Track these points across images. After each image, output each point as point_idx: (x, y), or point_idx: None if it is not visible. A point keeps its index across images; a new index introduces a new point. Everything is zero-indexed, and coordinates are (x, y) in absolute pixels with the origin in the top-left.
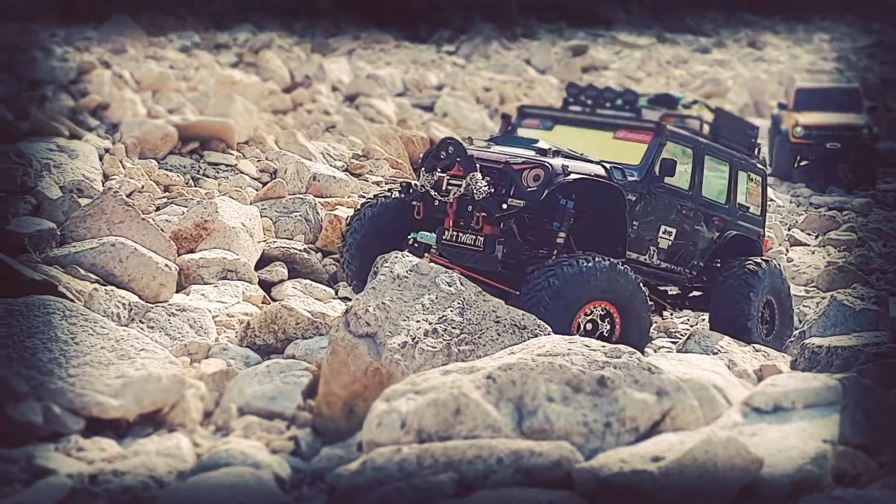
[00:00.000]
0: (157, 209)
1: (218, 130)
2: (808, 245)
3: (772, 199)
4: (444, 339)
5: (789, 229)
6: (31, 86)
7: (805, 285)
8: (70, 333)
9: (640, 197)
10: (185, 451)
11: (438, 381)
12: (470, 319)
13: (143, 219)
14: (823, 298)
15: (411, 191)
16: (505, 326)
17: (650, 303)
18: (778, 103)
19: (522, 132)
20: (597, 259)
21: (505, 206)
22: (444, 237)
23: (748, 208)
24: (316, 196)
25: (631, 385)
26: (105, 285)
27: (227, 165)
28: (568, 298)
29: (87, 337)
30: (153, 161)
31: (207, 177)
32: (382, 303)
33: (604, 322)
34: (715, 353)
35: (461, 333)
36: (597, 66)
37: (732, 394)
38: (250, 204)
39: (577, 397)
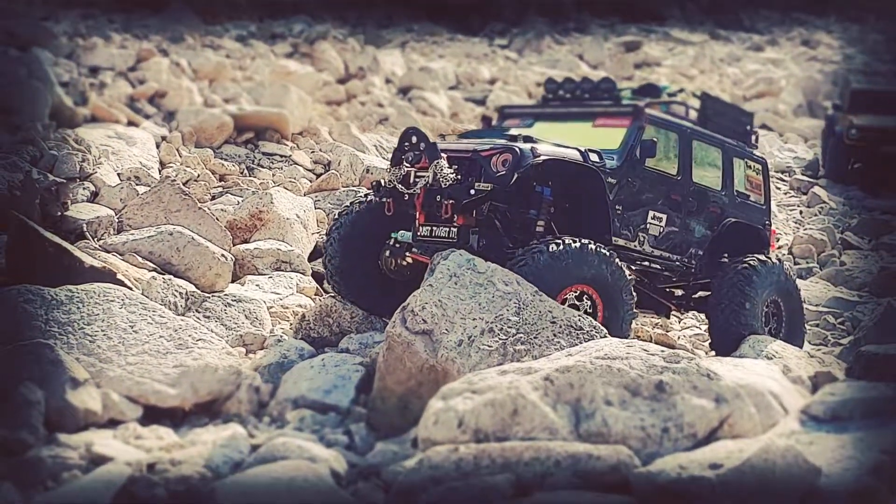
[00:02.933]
0: (213, 198)
1: (273, 121)
2: (862, 249)
3: (825, 202)
4: (499, 339)
5: (842, 232)
6: (91, 72)
7: (858, 290)
8: (129, 321)
9: (622, 181)
10: (241, 442)
11: (496, 381)
12: (526, 319)
13: (200, 208)
14: (879, 304)
15: (380, 188)
16: (561, 327)
17: (630, 277)
18: (833, 104)
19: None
20: (567, 242)
21: (473, 191)
22: (418, 234)
23: (748, 196)
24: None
25: (689, 391)
26: (163, 274)
27: (281, 156)
28: (542, 286)
29: (146, 325)
30: (209, 150)
31: (262, 167)
32: (439, 300)
33: (583, 302)
34: (769, 358)
35: (517, 333)
36: (649, 63)
37: (788, 401)
38: (304, 195)
39: (634, 401)
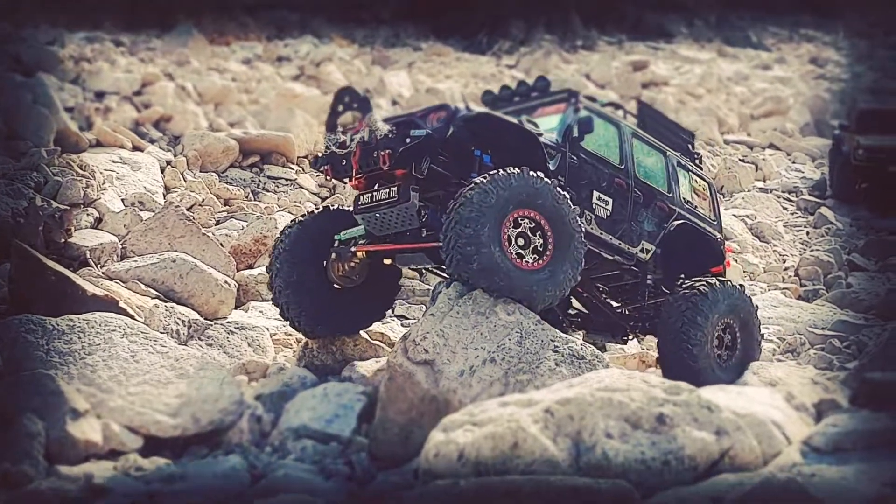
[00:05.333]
0: (217, 223)
1: (278, 144)
2: (869, 270)
3: (831, 222)
4: (501, 368)
5: (849, 253)
6: (97, 97)
7: (865, 313)
8: (130, 351)
9: (563, 153)
10: (242, 474)
11: (496, 412)
12: (528, 349)
13: (204, 234)
14: (885, 329)
15: (317, 159)
16: (563, 356)
17: (579, 221)
18: (839, 124)
19: None
20: (509, 169)
21: (408, 139)
22: (360, 203)
23: (696, 206)
24: None
25: (690, 423)
26: (165, 301)
27: (286, 180)
28: (489, 212)
29: (148, 355)
30: (214, 174)
31: (267, 191)
32: (441, 329)
33: (535, 235)
34: (773, 385)
35: (519, 363)
36: (656, 82)
37: (791, 430)
38: None
39: (635, 434)
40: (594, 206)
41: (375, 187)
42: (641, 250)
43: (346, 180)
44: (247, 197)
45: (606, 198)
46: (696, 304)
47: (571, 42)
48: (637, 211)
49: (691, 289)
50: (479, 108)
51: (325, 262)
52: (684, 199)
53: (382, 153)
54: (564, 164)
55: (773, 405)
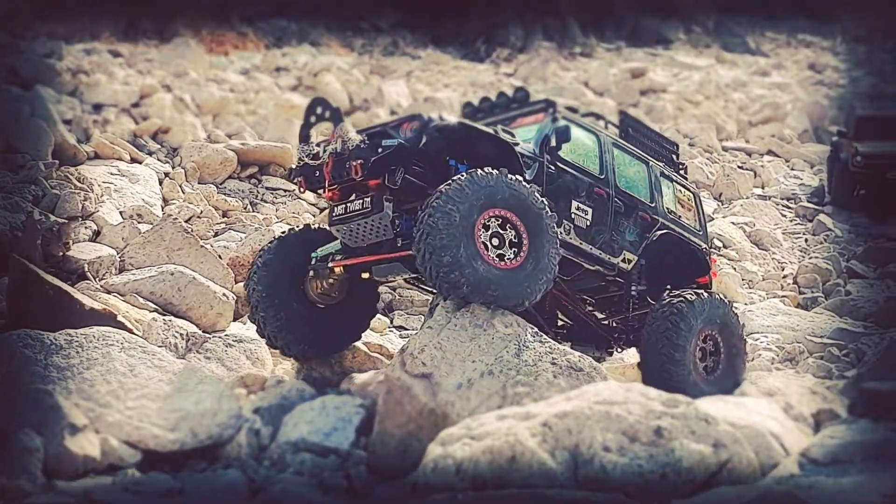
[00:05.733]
0: (216, 235)
1: (276, 155)
2: (867, 278)
3: (830, 229)
4: (499, 381)
5: (848, 260)
6: (94, 109)
7: (864, 320)
8: (129, 365)
9: (539, 166)
10: (241, 488)
11: (494, 426)
12: (526, 361)
13: (202, 246)
14: (883, 337)
15: (292, 171)
16: (561, 369)
17: (552, 214)
18: (837, 130)
19: None
20: (484, 169)
21: (380, 149)
22: (334, 214)
23: (680, 216)
24: None
25: (688, 436)
26: (164, 314)
27: (285, 191)
28: (462, 210)
29: (146, 369)
30: (212, 186)
31: (265, 202)
32: (439, 342)
33: (507, 230)
34: (771, 395)
35: (517, 375)
36: (655, 89)
37: (789, 441)
38: None
39: (633, 447)
40: (573, 215)
41: (350, 198)
42: (623, 260)
43: (321, 191)
44: (245, 208)
45: (586, 207)
46: (678, 316)
47: (569, 49)
48: (618, 221)
49: (673, 300)
50: (453, 118)
51: (303, 280)
52: (668, 209)
53: (354, 164)
54: (541, 173)
55: (771, 416)
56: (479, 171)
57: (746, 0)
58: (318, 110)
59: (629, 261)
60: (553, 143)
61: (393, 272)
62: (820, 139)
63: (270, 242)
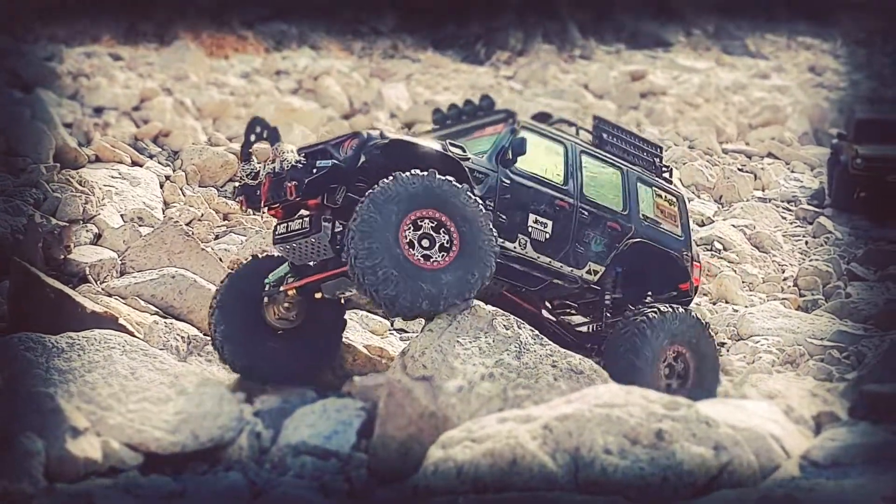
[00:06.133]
0: (216, 238)
1: None
2: (868, 280)
3: (830, 232)
4: (500, 384)
5: (848, 263)
6: (95, 112)
7: (864, 323)
8: (130, 368)
9: (494, 180)
10: (242, 490)
11: (494, 429)
12: (526, 363)
13: (203, 249)
14: (883, 340)
15: (234, 190)
16: (562, 371)
17: (485, 211)
18: (837, 133)
19: None
20: (413, 172)
21: (315, 170)
22: (277, 233)
23: (659, 223)
24: None
25: (689, 439)
26: (165, 317)
27: None
28: (388, 212)
29: (147, 372)
30: (213, 189)
31: None
32: (439, 345)
33: (440, 233)
34: (772, 398)
35: (518, 377)
36: (655, 92)
37: (790, 443)
38: None
39: (634, 450)
40: (530, 229)
41: (293, 217)
42: (588, 272)
43: (263, 210)
44: (245, 211)
45: (545, 220)
46: (647, 325)
47: (569, 52)
48: (583, 231)
49: (646, 310)
50: (395, 134)
51: (260, 308)
52: (644, 215)
53: (289, 185)
54: (495, 187)
55: (771, 418)
56: (405, 173)
57: (746, 2)
58: (258, 129)
59: (595, 272)
60: (509, 155)
61: (340, 288)
62: (820, 142)
63: (228, 277)
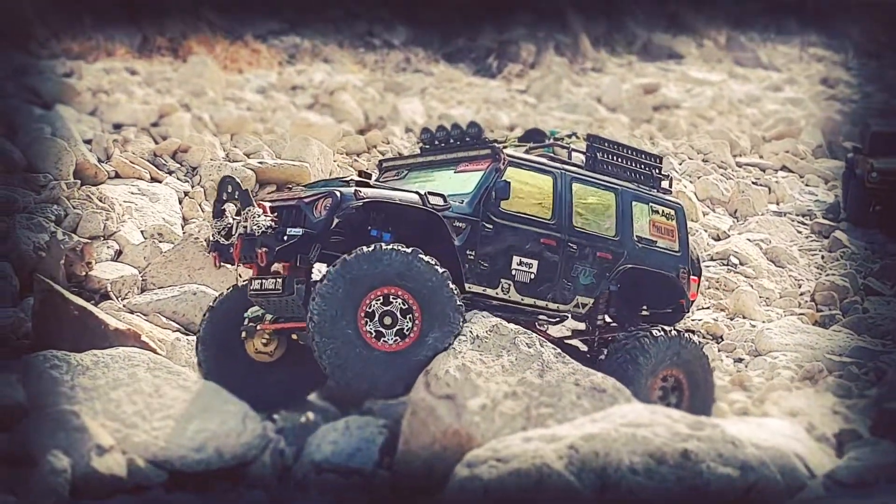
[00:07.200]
0: None
1: (294, 174)
2: (885, 295)
3: (846, 246)
4: (523, 402)
5: (865, 278)
6: (114, 128)
7: (882, 338)
8: (154, 386)
9: (476, 225)
10: None
11: (520, 448)
12: (549, 382)
13: (222, 265)
14: None
15: (209, 243)
16: (584, 390)
17: (459, 302)
18: (852, 146)
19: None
20: (376, 246)
21: (286, 237)
22: (251, 288)
23: (654, 242)
24: None
25: (715, 459)
26: (186, 334)
27: None
28: (348, 291)
29: (171, 390)
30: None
31: None
32: (462, 364)
33: (405, 318)
34: (793, 415)
35: (541, 396)
36: (668, 105)
37: (813, 462)
38: None
39: (660, 470)
40: (514, 272)
41: (267, 274)
42: (576, 305)
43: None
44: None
45: (530, 261)
46: (638, 351)
47: (581, 64)
48: (571, 266)
49: (638, 333)
50: (370, 193)
51: (240, 340)
52: (638, 237)
53: (259, 251)
54: (476, 235)
55: (794, 437)
56: (367, 248)
57: (757, 14)
58: (229, 189)
59: (583, 305)
60: (492, 199)
61: None
62: (834, 154)
63: (211, 309)
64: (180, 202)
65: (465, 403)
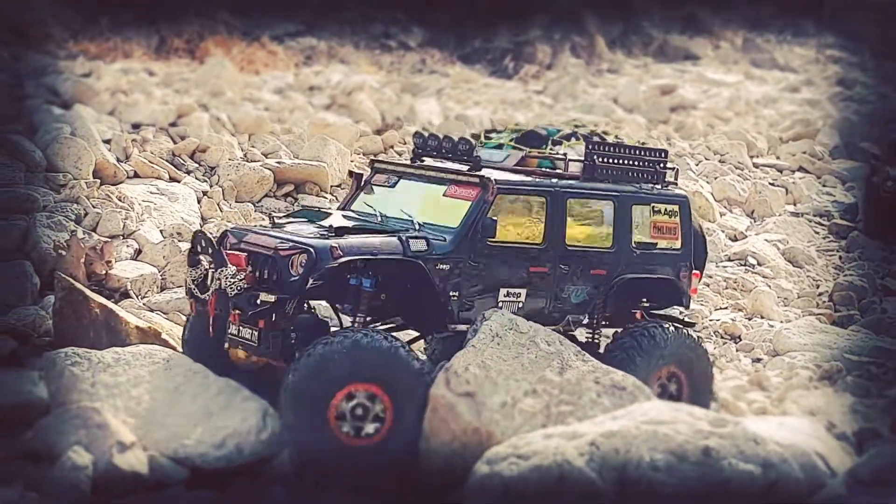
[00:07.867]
0: None
1: (312, 174)
2: None
3: (864, 247)
4: (543, 400)
5: (882, 278)
6: (133, 128)
7: None
8: (175, 383)
9: (461, 264)
10: None
11: (541, 445)
12: (569, 380)
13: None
14: None
15: (185, 289)
16: (604, 388)
17: (425, 373)
18: (871, 154)
19: (371, 191)
20: (340, 337)
21: (259, 301)
22: (229, 334)
23: (654, 244)
24: None
25: (736, 456)
26: None
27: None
28: (302, 403)
29: (192, 387)
30: (249, 204)
31: None
32: (482, 361)
33: (373, 414)
34: (813, 414)
35: (560, 394)
36: (685, 106)
37: (834, 460)
38: None
39: (681, 467)
40: (500, 304)
41: (242, 321)
42: (565, 324)
43: None
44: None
45: (518, 290)
46: (635, 350)
47: (597, 66)
48: (562, 286)
49: (635, 332)
50: (348, 246)
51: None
52: (636, 243)
53: (233, 312)
54: (460, 274)
55: (814, 435)
56: (338, 343)
57: (773, 16)
58: (202, 243)
59: (575, 322)
60: (479, 234)
61: None
62: (851, 155)
63: (187, 319)
64: (199, 202)
65: (484, 401)
